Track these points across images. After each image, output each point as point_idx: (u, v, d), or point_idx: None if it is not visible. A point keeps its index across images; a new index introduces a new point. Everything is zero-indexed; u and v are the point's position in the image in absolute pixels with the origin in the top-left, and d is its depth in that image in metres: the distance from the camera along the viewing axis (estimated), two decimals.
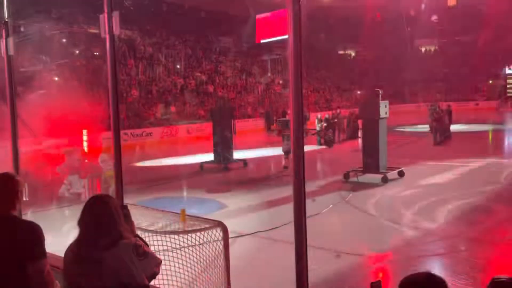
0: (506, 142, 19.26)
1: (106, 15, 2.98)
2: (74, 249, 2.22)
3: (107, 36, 3.00)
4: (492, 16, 39.81)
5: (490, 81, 42.00)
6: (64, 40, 26.61)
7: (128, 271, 2.12)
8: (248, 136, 25.92)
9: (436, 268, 5.50)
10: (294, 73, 2.25)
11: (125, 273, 2.11)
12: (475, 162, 13.19)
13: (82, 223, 2.21)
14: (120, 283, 2.11)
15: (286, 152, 12.79)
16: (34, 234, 2.44)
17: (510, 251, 6.07)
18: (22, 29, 23.36)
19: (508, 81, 42.73)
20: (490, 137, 21.08)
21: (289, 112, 2.40)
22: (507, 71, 42.71)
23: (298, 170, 2.31)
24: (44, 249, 2.45)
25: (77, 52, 26.05)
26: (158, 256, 2.36)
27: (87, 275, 2.13)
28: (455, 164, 13.35)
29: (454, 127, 20.16)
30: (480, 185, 10.16)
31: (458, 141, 18.52)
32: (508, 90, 42.05)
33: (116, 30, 2.98)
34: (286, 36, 2.35)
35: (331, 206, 8.53)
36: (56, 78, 21.64)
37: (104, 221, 2.18)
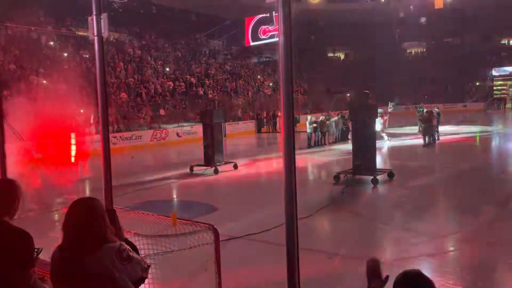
0: (493, 144, 19.51)
1: (94, 17, 2.95)
2: (58, 254, 2.17)
3: (96, 38, 2.97)
4: (479, 18, 40.41)
5: (478, 83, 42.58)
6: (51, 43, 26.37)
7: (110, 275, 2.08)
8: (239, 139, 25.91)
9: (426, 268, 5.54)
10: (284, 74, 2.25)
11: (108, 278, 2.08)
12: (464, 164, 13.34)
13: (65, 226, 2.16)
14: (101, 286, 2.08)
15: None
16: (23, 243, 2.37)
17: (498, 251, 6.13)
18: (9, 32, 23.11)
19: (495, 82, 43.37)
20: (477, 138, 21.34)
21: (279, 114, 2.40)
22: (494, 73, 43.33)
23: (289, 173, 2.30)
24: (33, 258, 2.38)
25: (66, 54, 25.81)
26: (145, 260, 2.32)
27: (70, 279, 2.09)
28: (444, 165, 13.49)
29: (442, 129, 20.38)
30: (468, 186, 10.27)
31: (447, 143, 18.72)
32: (495, 92, 42.67)
33: (105, 32, 2.96)
34: (276, 39, 2.35)
35: (321, 208, 8.55)
36: (44, 81, 21.40)
37: (86, 224, 2.13)
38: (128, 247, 2.22)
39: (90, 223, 2.12)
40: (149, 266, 2.34)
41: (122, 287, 2.11)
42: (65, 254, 2.13)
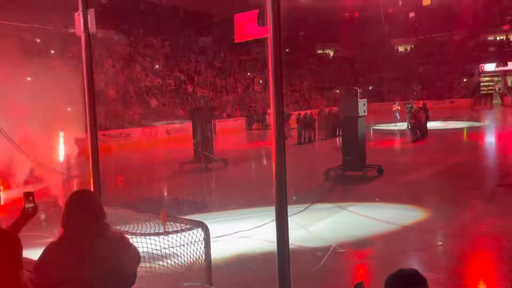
0: (481, 139, 19.73)
1: (81, 12, 2.91)
2: (66, 243, 2.14)
3: (83, 34, 2.93)
4: (467, 15, 40.81)
5: (465, 79, 42.98)
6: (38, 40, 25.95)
7: (121, 257, 2.14)
8: (229, 136, 25.86)
9: (415, 262, 5.60)
10: (274, 71, 2.24)
11: (117, 260, 2.13)
12: (451, 159, 13.47)
13: (73, 215, 2.16)
14: (113, 272, 2.10)
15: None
16: (11, 244, 2.32)
17: (485, 245, 6.22)
18: None
19: (482, 79, 43.83)
20: (465, 134, 21.57)
21: (269, 111, 2.39)
22: (481, 69, 43.75)
23: (279, 169, 2.30)
24: (21, 260, 2.34)
25: (52, 52, 25.43)
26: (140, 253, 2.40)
27: (80, 266, 2.07)
28: (432, 161, 13.61)
29: (431, 124, 20.55)
30: (456, 181, 10.38)
31: (435, 138, 18.88)
32: (482, 88, 43.12)
33: (92, 28, 2.92)
34: (265, 36, 2.34)
35: (312, 204, 8.57)
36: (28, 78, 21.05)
37: (94, 210, 2.19)
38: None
39: (97, 209, 2.20)
40: (140, 258, 2.38)
41: (129, 270, 2.17)
42: (74, 241, 2.11)
